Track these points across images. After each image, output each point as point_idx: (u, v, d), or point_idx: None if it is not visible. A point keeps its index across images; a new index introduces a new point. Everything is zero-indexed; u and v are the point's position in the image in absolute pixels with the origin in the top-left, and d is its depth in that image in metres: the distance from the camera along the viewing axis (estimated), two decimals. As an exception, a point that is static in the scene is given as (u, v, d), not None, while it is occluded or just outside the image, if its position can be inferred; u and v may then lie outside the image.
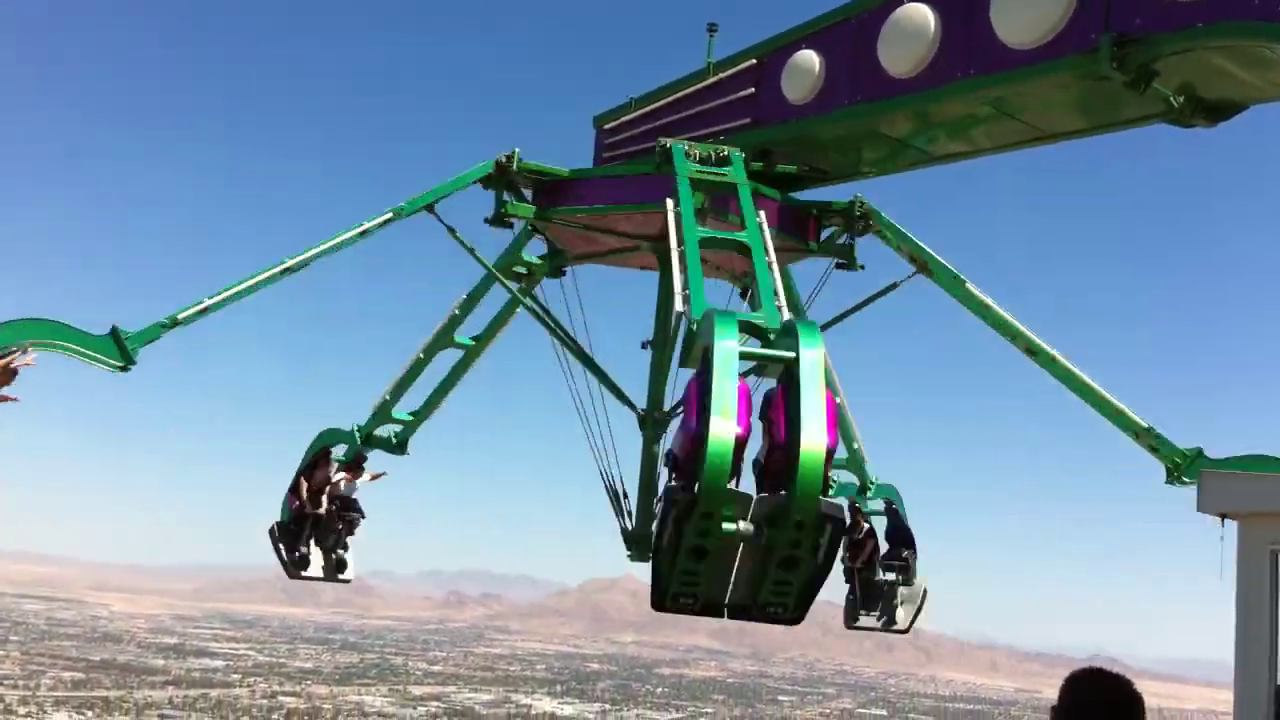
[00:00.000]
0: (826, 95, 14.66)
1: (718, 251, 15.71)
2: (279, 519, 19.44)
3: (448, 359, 19.25)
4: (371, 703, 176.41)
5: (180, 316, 15.12)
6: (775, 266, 12.69)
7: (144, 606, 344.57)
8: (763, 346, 10.95)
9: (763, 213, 13.76)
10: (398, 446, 19.66)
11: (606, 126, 17.83)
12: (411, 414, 19.46)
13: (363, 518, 19.61)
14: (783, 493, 9.95)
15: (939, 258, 16.29)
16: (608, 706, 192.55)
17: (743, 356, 10.49)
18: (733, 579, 10.55)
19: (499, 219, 16.87)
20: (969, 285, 15.91)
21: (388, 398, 19.21)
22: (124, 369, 14.81)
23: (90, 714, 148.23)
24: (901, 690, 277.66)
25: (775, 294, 12.15)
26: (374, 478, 19.68)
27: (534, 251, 18.28)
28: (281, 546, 19.24)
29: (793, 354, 10.40)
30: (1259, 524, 9.05)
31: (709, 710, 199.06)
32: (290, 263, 15.71)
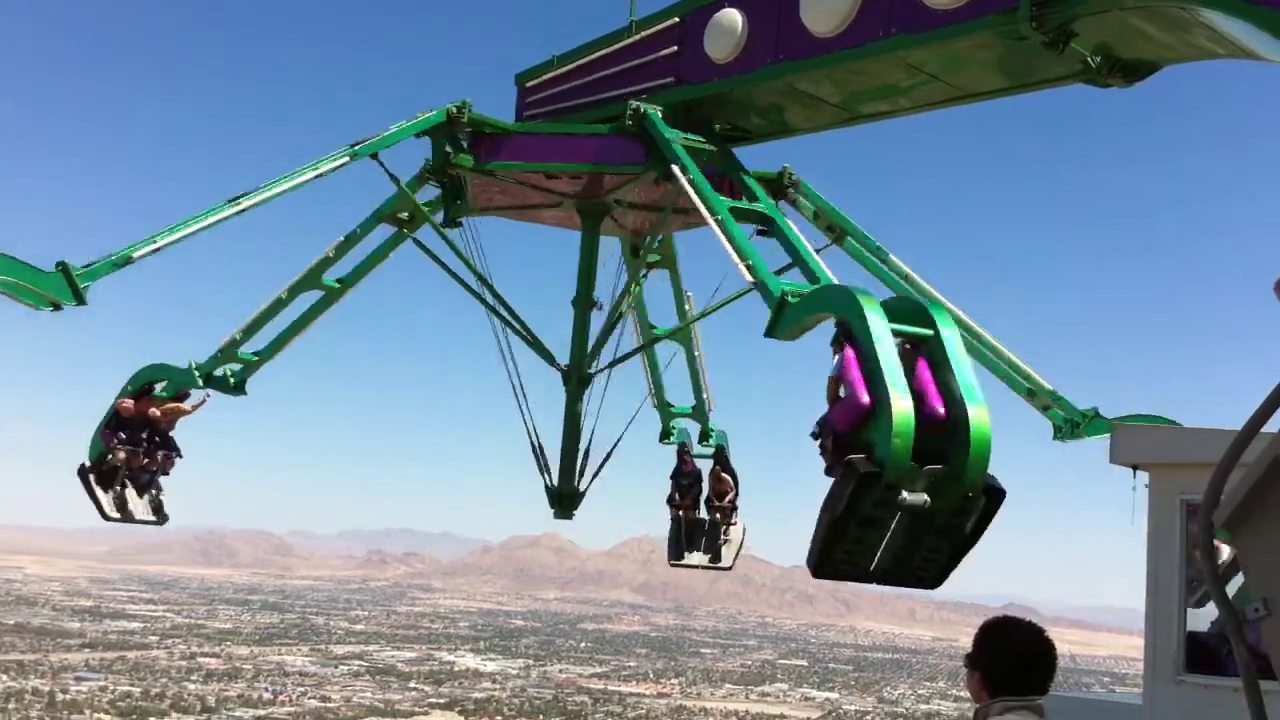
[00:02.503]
0: (749, 54, 14.66)
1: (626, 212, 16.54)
2: (87, 458, 18.48)
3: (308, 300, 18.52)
4: (293, 663, 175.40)
5: (134, 255, 14.69)
6: (804, 239, 13.13)
7: (59, 569, 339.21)
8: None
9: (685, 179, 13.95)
10: (235, 387, 18.66)
11: (528, 84, 17.69)
12: (256, 354, 18.47)
13: (179, 457, 18.84)
14: (952, 463, 10.10)
15: (859, 228, 16.57)
16: (531, 662, 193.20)
17: (894, 333, 10.61)
18: (884, 545, 10.71)
19: (440, 170, 16.73)
20: (893, 257, 16.25)
21: (237, 336, 18.20)
22: (71, 307, 14.37)
23: (5, 677, 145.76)
24: (821, 641, 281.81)
25: (821, 270, 12.44)
26: (195, 406, 18.66)
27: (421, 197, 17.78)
28: (97, 488, 18.33)
29: (932, 331, 10.65)
30: (1169, 475, 9.30)
31: (631, 664, 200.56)
32: (246, 203, 15.32)
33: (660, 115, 14.83)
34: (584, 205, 17.60)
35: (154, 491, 18.74)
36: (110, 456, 18.10)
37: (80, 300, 14.21)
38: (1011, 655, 4.70)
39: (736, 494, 21.08)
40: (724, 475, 21.01)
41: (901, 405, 9.92)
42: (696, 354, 20.69)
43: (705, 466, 21.19)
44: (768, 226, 13.69)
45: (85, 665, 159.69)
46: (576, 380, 18.49)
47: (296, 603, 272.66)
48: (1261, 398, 3.00)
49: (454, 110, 16.33)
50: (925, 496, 10.11)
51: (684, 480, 21.16)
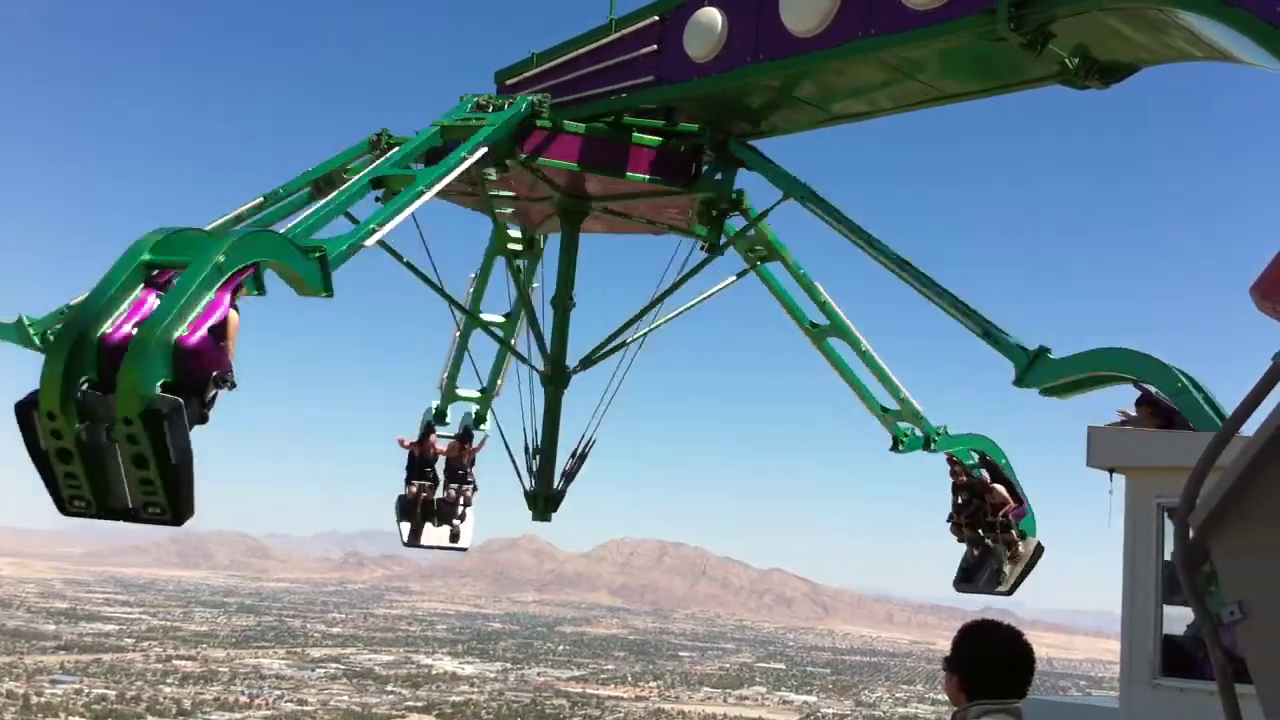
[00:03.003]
0: (728, 53, 14.65)
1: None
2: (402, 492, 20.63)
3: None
4: (269, 665, 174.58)
5: (368, 242, 13.67)
6: (416, 202, 13.54)
7: (33, 570, 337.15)
8: None
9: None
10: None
11: (508, 83, 17.65)
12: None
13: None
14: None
15: (802, 181, 16.52)
16: (509, 665, 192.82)
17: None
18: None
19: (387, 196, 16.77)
20: (823, 202, 16.22)
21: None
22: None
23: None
24: (800, 644, 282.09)
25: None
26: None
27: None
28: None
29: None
30: (1146, 478, 9.28)
31: (610, 667, 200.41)
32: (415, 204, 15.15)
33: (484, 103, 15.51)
34: (567, 205, 17.58)
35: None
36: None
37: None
38: (990, 658, 4.68)
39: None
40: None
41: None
42: (864, 347, 18.43)
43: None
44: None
45: (60, 668, 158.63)
46: (556, 381, 18.48)
47: (273, 605, 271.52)
48: (1237, 402, 2.98)
49: (374, 139, 16.46)
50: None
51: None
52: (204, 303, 10.30)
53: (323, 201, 13.96)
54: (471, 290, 19.94)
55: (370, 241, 13.63)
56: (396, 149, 14.98)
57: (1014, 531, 18.38)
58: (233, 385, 10.76)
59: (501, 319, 20.20)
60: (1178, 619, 9.27)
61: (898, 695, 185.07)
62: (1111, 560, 9.91)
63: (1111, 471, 9.82)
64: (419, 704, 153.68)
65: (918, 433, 18.43)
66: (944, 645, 5.04)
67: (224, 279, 10.50)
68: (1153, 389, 12.04)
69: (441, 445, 20.72)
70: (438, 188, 14.27)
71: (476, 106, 16.04)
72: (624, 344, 19.01)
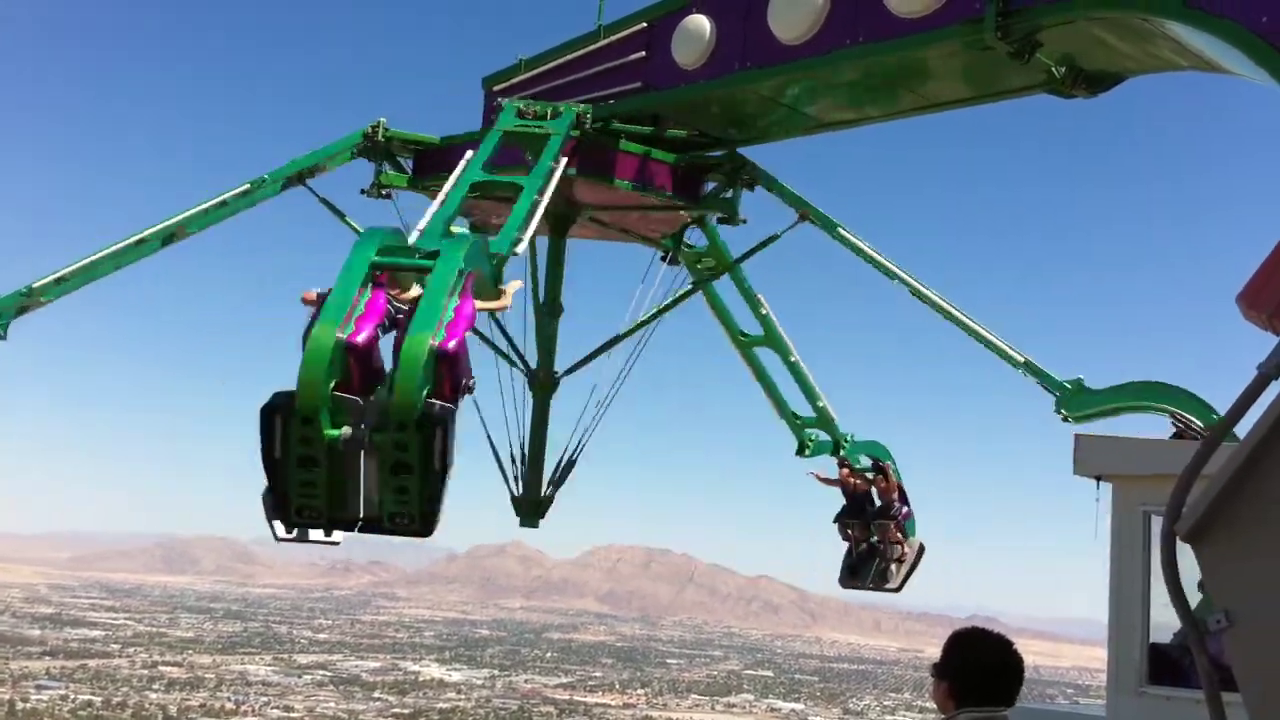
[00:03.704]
0: (717, 60, 14.67)
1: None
2: None
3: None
4: (256, 672, 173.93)
5: (36, 287, 14.54)
6: (538, 208, 12.83)
7: (18, 575, 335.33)
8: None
9: (563, 160, 13.91)
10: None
11: (496, 88, 17.64)
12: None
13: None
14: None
15: (817, 207, 16.77)
16: (496, 672, 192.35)
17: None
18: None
19: (375, 189, 16.74)
20: (842, 230, 16.41)
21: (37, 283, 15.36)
22: None
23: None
24: (788, 652, 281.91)
25: (520, 227, 12.36)
26: None
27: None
28: None
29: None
30: (1132, 486, 9.29)
31: (598, 674, 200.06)
32: (147, 233, 15.22)
33: (527, 110, 15.05)
34: (558, 213, 17.58)
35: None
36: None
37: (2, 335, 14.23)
38: (980, 666, 4.67)
39: (908, 510, 19.47)
40: (885, 480, 19.47)
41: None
42: (793, 358, 19.51)
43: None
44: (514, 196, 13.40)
45: (46, 673, 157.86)
46: (544, 386, 18.47)
47: (259, 611, 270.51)
48: (1224, 410, 2.98)
49: (369, 130, 16.53)
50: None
51: (855, 500, 19.48)
52: (453, 308, 10.21)
53: (436, 204, 13.13)
54: None
55: (519, 250, 13.53)
56: (472, 153, 14.22)
57: (900, 532, 19.36)
58: (472, 390, 10.75)
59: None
60: (1165, 627, 9.28)
61: (885, 703, 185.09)
62: (1098, 568, 9.93)
63: (1098, 479, 9.84)
64: (406, 711, 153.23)
65: (825, 438, 19.73)
66: (931, 653, 5.03)
67: (463, 283, 10.47)
68: (1193, 420, 12.38)
69: None
70: (548, 194, 13.78)
71: (519, 113, 15.72)
72: (608, 349, 19.06)
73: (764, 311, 18.96)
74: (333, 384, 9.67)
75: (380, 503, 10.14)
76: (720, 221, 17.75)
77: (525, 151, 14.22)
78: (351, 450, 9.82)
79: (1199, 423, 12.29)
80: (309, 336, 9.73)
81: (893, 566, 19.30)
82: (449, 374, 10.01)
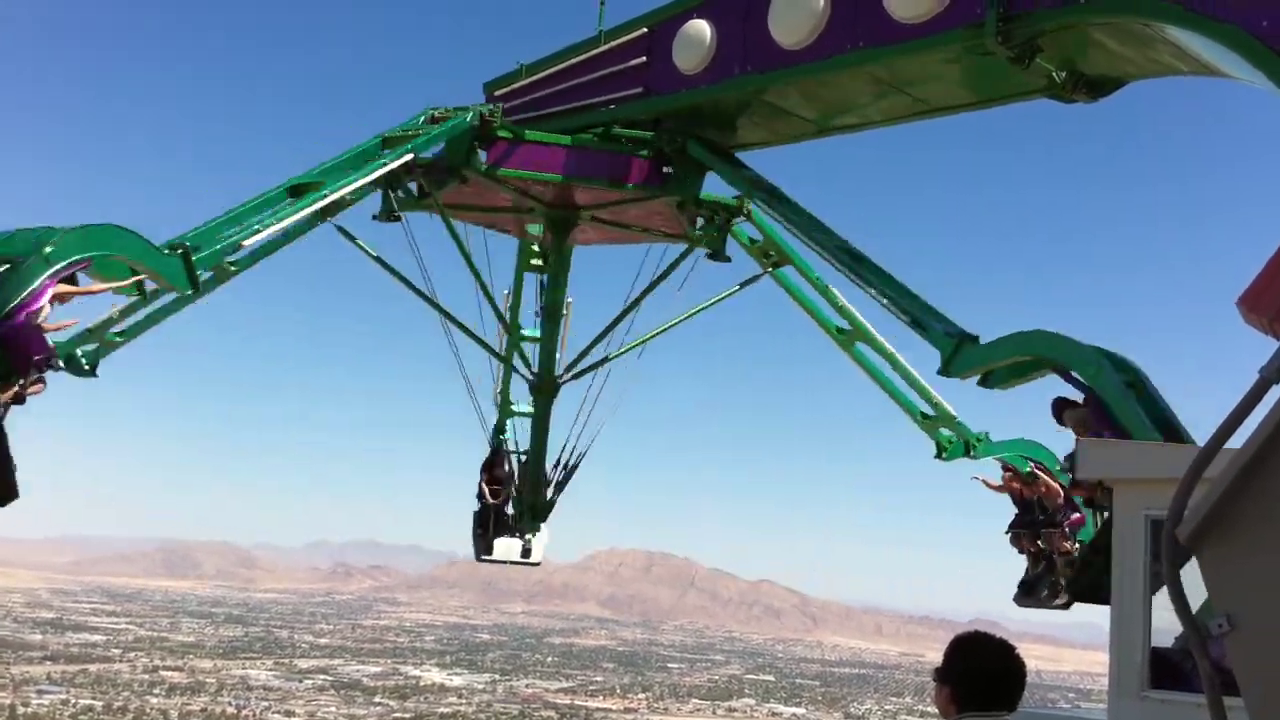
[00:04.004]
0: (717, 66, 14.67)
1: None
2: None
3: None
4: (257, 677, 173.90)
5: (244, 243, 14.14)
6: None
7: (19, 580, 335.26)
8: None
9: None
10: (89, 370, 16.27)
11: (497, 94, 17.65)
12: (120, 334, 16.42)
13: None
14: None
15: (806, 261, 16.70)
16: (497, 677, 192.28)
17: None
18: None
19: (389, 215, 16.89)
20: (833, 290, 16.43)
21: (114, 315, 16.04)
22: (190, 296, 14.27)
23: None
24: (789, 656, 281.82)
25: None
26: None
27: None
28: None
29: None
30: (1134, 490, 9.28)
31: (599, 679, 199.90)
32: (319, 204, 15.03)
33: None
34: (555, 215, 17.58)
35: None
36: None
37: (195, 288, 13.47)
38: (982, 670, 4.66)
39: (1076, 513, 16.49)
40: (1051, 486, 16.53)
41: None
42: (889, 350, 17.43)
43: None
44: None
45: (47, 678, 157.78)
46: (544, 391, 18.49)
47: (261, 616, 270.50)
48: (1225, 413, 2.99)
49: (487, 114, 16.39)
50: None
51: (1025, 507, 16.94)
52: (29, 291, 10.82)
53: (239, 204, 14.22)
54: (508, 306, 19.65)
55: (249, 241, 14.03)
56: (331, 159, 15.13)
57: (1068, 541, 16.69)
58: (56, 367, 11.40)
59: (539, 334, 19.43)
60: (1166, 631, 9.27)
61: (886, 707, 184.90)
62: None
63: (1100, 484, 9.84)
64: (407, 715, 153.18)
65: (957, 439, 17.43)
66: (933, 657, 5.05)
67: (51, 270, 11.01)
68: (1078, 377, 11.90)
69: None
70: (342, 192, 14.96)
71: (431, 119, 16.20)
72: (612, 355, 18.93)
73: (840, 302, 17.23)
74: None
75: None
76: (709, 258, 17.66)
77: None
78: None
79: (1083, 379, 11.83)
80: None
81: (1063, 580, 16.76)
82: (12, 351, 10.82)
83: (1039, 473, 16.60)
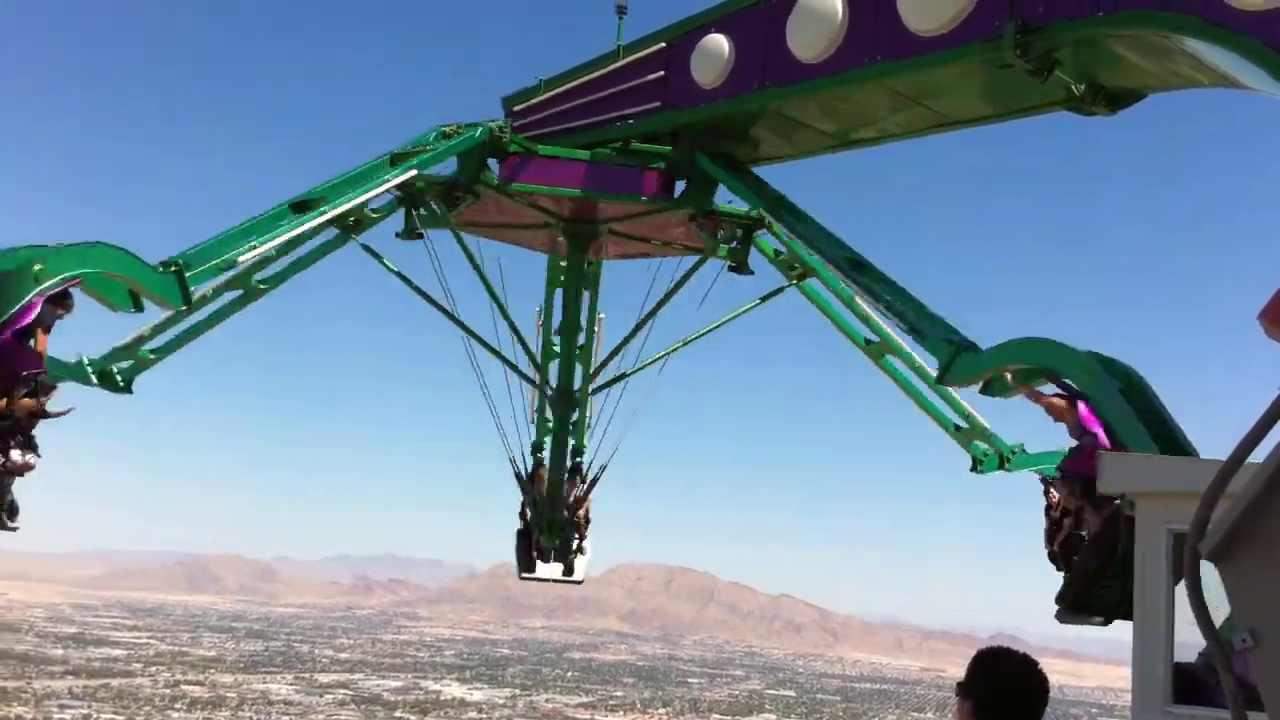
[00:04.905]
0: (736, 79, 14.68)
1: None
2: None
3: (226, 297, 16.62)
4: (278, 691, 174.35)
5: (239, 259, 14.04)
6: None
7: (41, 595, 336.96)
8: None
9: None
10: (124, 386, 16.27)
11: (515, 109, 17.69)
12: (153, 351, 16.39)
13: (39, 458, 14.28)
14: None
15: (830, 272, 16.53)
16: (518, 691, 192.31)
17: None
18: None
19: (410, 233, 16.95)
20: (858, 301, 16.31)
21: (146, 333, 16.12)
22: (184, 311, 14.34)
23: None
24: (809, 671, 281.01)
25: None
26: (57, 415, 14.47)
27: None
28: None
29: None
30: (1156, 503, 9.22)
31: (619, 693, 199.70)
32: (319, 220, 14.91)
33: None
34: (573, 229, 17.60)
35: (10, 496, 15.14)
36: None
37: (189, 303, 13.57)
38: (1004, 686, 4.65)
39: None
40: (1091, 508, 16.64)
41: None
42: (920, 364, 16.95)
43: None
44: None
45: (69, 693, 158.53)
46: (564, 404, 18.50)
47: (281, 630, 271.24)
48: (1248, 427, 2.97)
49: (497, 130, 16.37)
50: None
51: (1057, 520, 15.96)
52: (17, 309, 10.99)
53: (240, 222, 14.15)
54: (540, 323, 19.75)
55: (245, 258, 14.08)
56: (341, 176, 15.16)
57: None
58: (49, 385, 11.71)
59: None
60: (1190, 646, 9.21)
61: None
62: (1122, 586, 9.87)
63: (1121, 497, 9.79)
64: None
65: (992, 452, 17.12)
66: (954, 672, 5.03)
67: (40, 288, 11.14)
68: (1071, 385, 11.83)
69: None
70: (344, 208, 15.05)
71: (442, 135, 16.25)
72: (629, 371, 18.86)
73: (867, 314, 16.81)
74: None
75: None
76: (731, 270, 17.62)
77: None
78: None
79: (1077, 385, 11.79)
80: None
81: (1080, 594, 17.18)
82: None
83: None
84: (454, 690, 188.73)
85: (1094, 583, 10.37)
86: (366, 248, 16.87)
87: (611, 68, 16.37)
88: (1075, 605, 10.59)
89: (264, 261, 16.11)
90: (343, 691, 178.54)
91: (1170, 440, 10.85)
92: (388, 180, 15.43)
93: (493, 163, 16.46)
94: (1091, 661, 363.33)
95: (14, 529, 16.02)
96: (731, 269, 17.55)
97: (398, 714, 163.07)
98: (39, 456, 16.73)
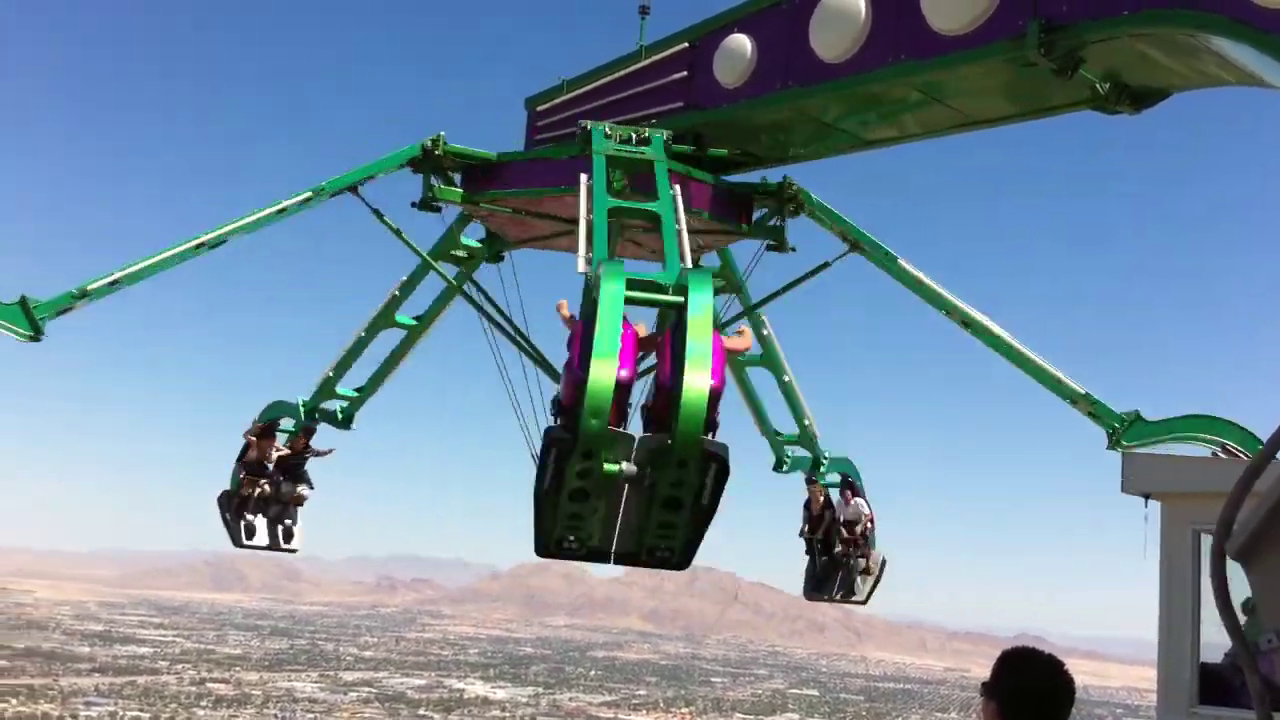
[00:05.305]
0: (758, 79, 14.68)
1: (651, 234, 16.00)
2: (227, 488, 19.63)
3: (390, 339, 19.41)
4: (302, 689, 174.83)
5: (90, 288, 14.99)
6: (684, 234, 12.67)
7: (68, 593, 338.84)
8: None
9: (677, 187, 13.69)
10: (343, 422, 19.87)
11: (539, 109, 17.73)
12: (356, 390, 19.74)
13: (311, 489, 19.88)
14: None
15: (871, 236, 16.59)
16: (541, 690, 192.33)
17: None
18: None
19: (426, 203, 16.63)
20: (901, 261, 16.26)
21: (330, 374, 19.46)
22: (32, 339, 14.70)
23: (15, 702, 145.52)
24: (833, 671, 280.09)
25: (681, 256, 12.14)
26: (322, 453, 20.01)
27: (473, 235, 18.25)
28: (228, 515, 19.51)
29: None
30: (1181, 504, 9.20)
31: (642, 692, 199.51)
32: (205, 238, 15.58)
33: (613, 133, 14.81)
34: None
35: (289, 521, 19.94)
36: (243, 488, 19.54)
37: (38, 333, 14.62)
38: (1030, 686, 4.64)
39: (871, 524, 20.11)
40: (855, 501, 20.15)
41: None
42: (787, 378, 19.91)
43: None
44: (654, 225, 13.11)
45: (95, 690, 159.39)
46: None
47: (306, 628, 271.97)
48: (1273, 427, 2.96)
49: (429, 144, 16.22)
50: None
51: (817, 513, 20.21)
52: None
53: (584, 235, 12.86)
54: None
55: (96, 285, 14.96)
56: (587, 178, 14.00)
57: (868, 545, 19.87)
58: (311, 428, 12.12)
59: None
60: (1215, 647, 9.18)
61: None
62: (1147, 586, 9.84)
63: (1147, 497, 9.76)
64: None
65: (804, 455, 20.38)
66: (978, 673, 5.03)
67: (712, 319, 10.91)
68: (1242, 452, 12.38)
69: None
70: (239, 224, 15.64)
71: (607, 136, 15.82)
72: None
73: (765, 332, 19.13)
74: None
75: (641, 536, 10.40)
76: (769, 249, 17.23)
77: (618, 173, 14.12)
78: (633, 485, 10.05)
79: (1246, 455, 12.29)
80: (590, 374, 9.88)
81: (859, 579, 19.76)
82: (713, 411, 10.23)
83: (850, 484, 20.04)
84: (478, 688, 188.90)
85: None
86: (376, 212, 16.56)
87: (634, 67, 16.39)
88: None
89: (394, 300, 18.60)
90: (367, 689, 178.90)
91: None
92: (295, 197, 15.83)
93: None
94: (1117, 662, 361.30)
95: (293, 551, 20.35)
96: (771, 248, 17.14)
97: (421, 712, 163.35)
98: (312, 489, 19.95)
